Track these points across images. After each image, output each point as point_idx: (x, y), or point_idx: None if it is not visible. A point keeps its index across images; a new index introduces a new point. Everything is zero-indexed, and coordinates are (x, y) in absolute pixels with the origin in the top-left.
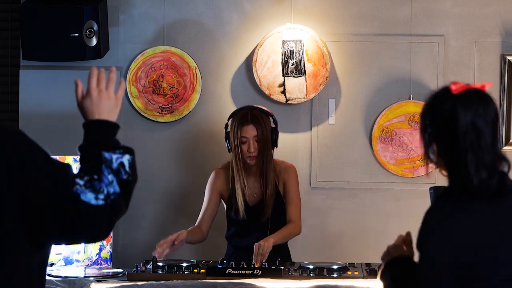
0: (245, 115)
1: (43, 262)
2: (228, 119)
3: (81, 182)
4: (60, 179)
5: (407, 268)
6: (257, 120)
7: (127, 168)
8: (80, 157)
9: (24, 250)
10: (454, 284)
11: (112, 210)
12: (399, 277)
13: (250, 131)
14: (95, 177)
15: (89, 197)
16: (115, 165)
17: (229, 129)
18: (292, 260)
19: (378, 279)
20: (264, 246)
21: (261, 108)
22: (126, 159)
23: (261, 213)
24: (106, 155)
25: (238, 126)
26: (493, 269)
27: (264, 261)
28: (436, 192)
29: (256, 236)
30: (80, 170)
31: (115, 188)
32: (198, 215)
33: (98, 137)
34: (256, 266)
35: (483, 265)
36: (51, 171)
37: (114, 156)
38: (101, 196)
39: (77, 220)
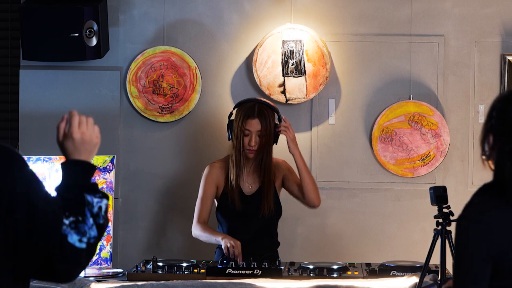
0: (252, 108)
1: None
2: (234, 108)
3: (67, 222)
4: (52, 218)
5: None
6: (263, 114)
7: (103, 212)
8: (62, 196)
9: (8, 285)
10: (488, 275)
11: (90, 254)
12: None
13: (255, 125)
14: (80, 218)
15: (74, 239)
16: (95, 209)
17: (233, 118)
18: (291, 260)
19: None
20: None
21: (268, 103)
22: (104, 203)
23: (257, 205)
24: (88, 198)
25: (243, 118)
26: None
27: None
28: (436, 190)
29: (252, 230)
30: (65, 209)
31: (94, 232)
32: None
33: (81, 179)
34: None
35: None
36: (45, 208)
37: (95, 200)
38: (84, 239)
39: (60, 260)
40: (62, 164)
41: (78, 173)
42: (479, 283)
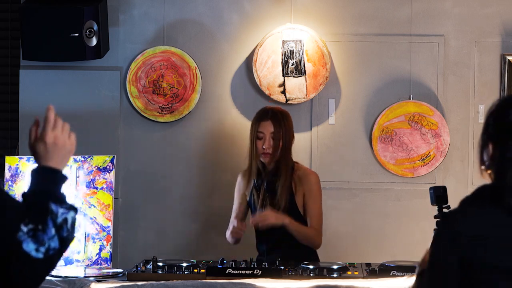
0: (265, 111)
1: None
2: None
3: (25, 229)
4: (9, 223)
5: None
6: (277, 117)
7: (69, 225)
8: (26, 202)
9: None
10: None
11: (48, 266)
12: None
13: (268, 127)
14: (39, 227)
15: (30, 247)
16: (59, 219)
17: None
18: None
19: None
20: (269, 214)
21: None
22: (70, 216)
23: (275, 207)
24: (53, 207)
25: (256, 121)
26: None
27: (259, 224)
28: (436, 190)
29: (276, 234)
30: (25, 215)
31: (55, 243)
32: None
33: (47, 187)
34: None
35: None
36: (4, 212)
37: (60, 211)
38: (42, 249)
39: (13, 267)
40: (32, 169)
41: (46, 180)
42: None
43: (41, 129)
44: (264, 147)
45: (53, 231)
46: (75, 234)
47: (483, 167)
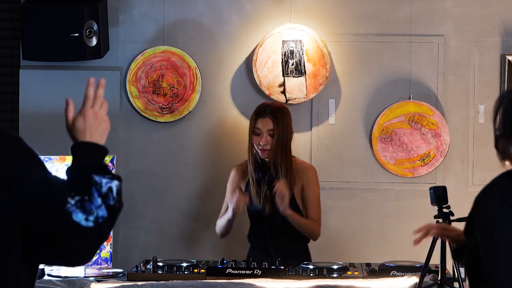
0: (263, 107)
1: (33, 278)
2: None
3: (72, 202)
4: (55, 196)
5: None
6: (275, 114)
7: (114, 194)
8: (69, 177)
9: (17, 266)
10: None
11: (99, 234)
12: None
13: (266, 123)
14: (86, 198)
15: (80, 217)
16: (104, 189)
17: None
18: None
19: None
20: (283, 193)
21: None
22: (114, 184)
23: (275, 206)
24: (96, 178)
25: (254, 117)
26: None
27: (284, 202)
28: (436, 190)
29: (271, 227)
30: (71, 189)
31: (103, 212)
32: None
33: (90, 160)
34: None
35: None
36: (47, 186)
37: (104, 180)
38: (91, 218)
39: (65, 239)
40: (72, 146)
41: (86, 154)
42: None
43: (72, 111)
44: (261, 143)
45: (99, 200)
46: (122, 202)
47: (506, 160)
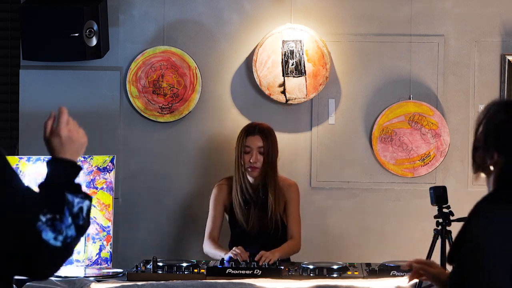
0: (253, 126)
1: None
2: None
3: (43, 219)
4: (29, 214)
5: None
6: (264, 132)
7: (84, 213)
8: (43, 193)
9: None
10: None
11: (66, 253)
12: None
13: (255, 141)
14: (57, 216)
15: (49, 236)
16: (75, 209)
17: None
18: (292, 261)
19: None
20: (269, 257)
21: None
22: (85, 204)
23: (262, 222)
24: (69, 197)
25: (243, 136)
26: None
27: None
28: (436, 190)
29: (256, 248)
30: (43, 205)
31: (72, 231)
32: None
33: (64, 178)
34: (256, 266)
35: None
36: (22, 203)
37: (76, 200)
38: (60, 238)
39: (33, 256)
40: (47, 161)
41: (61, 172)
42: None
43: (55, 124)
44: (251, 161)
45: (69, 220)
46: (89, 222)
47: (480, 172)
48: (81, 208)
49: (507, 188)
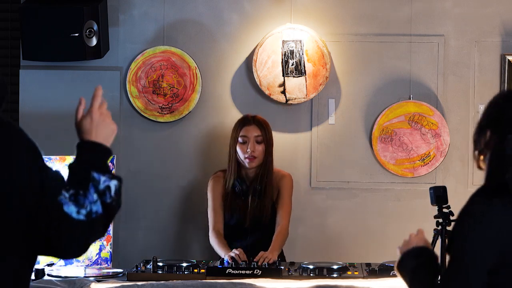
0: (248, 117)
1: (30, 271)
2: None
3: (66, 194)
4: (49, 186)
5: (426, 258)
6: (260, 122)
7: (112, 192)
8: (69, 172)
9: (17, 255)
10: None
11: (90, 229)
12: (417, 266)
13: (252, 131)
14: (81, 192)
15: (71, 209)
16: (101, 186)
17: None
18: (292, 261)
19: (395, 269)
20: (268, 257)
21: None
22: (113, 183)
23: (258, 215)
24: (95, 175)
25: (239, 126)
26: None
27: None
28: (436, 190)
29: (252, 239)
30: (67, 183)
31: (98, 208)
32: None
33: (91, 158)
34: (256, 266)
35: None
36: (44, 177)
37: (102, 178)
38: (83, 212)
39: (55, 230)
40: (77, 144)
41: (89, 152)
42: None
43: (86, 109)
44: (248, 149)
45: (95, 196)
46: (121, 202)
47: (476, 152)
48: (108, 187)
49: (497, 181)
